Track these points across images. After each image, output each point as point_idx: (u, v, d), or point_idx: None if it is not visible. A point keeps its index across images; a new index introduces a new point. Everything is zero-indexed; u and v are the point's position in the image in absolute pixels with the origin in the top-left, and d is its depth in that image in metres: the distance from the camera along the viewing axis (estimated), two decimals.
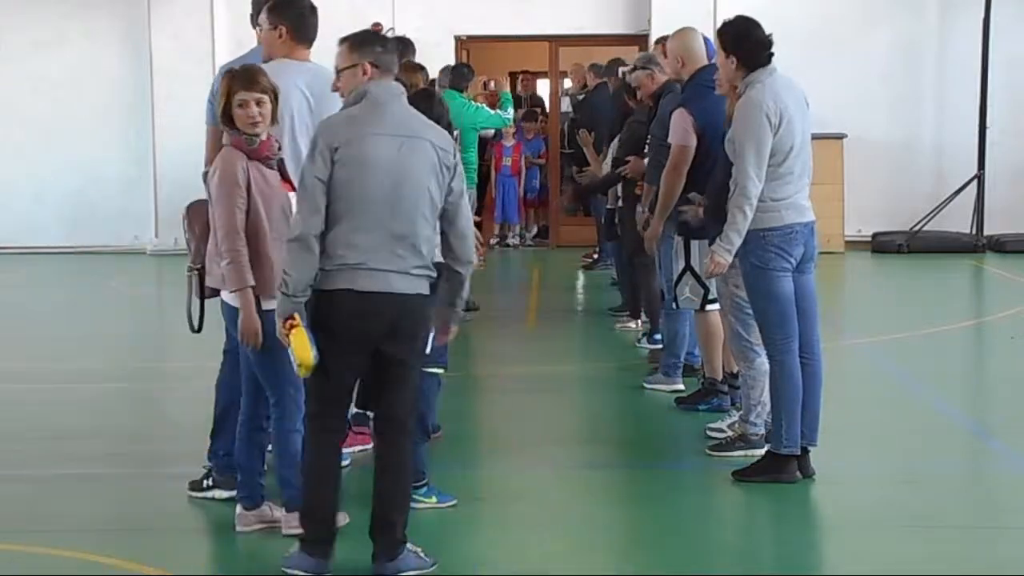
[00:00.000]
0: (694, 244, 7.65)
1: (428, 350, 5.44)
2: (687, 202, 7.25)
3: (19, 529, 5.98)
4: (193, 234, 5.82)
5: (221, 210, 5.49)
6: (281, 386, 5.58)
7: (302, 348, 4.99)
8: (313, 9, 6.24)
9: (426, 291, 5.17)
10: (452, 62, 14.55)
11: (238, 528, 5.79)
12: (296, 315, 5.01)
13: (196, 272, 5.77)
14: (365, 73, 5.21)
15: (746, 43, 6.42)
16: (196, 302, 5.85)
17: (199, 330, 5.91)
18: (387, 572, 5.17)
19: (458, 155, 5.25)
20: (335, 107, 6.10)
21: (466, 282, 5.37)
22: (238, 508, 5.81)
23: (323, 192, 5.02)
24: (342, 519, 5.43)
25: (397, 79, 5.35)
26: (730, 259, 6.35)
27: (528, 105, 18.66)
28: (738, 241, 6.31)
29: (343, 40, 5.34)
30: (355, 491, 5.72)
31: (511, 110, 12.43)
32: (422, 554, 5.26)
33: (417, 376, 5.30)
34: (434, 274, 5.18)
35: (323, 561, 5.17)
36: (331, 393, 5.17)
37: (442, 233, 5.23)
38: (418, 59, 10.36)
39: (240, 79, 5.55)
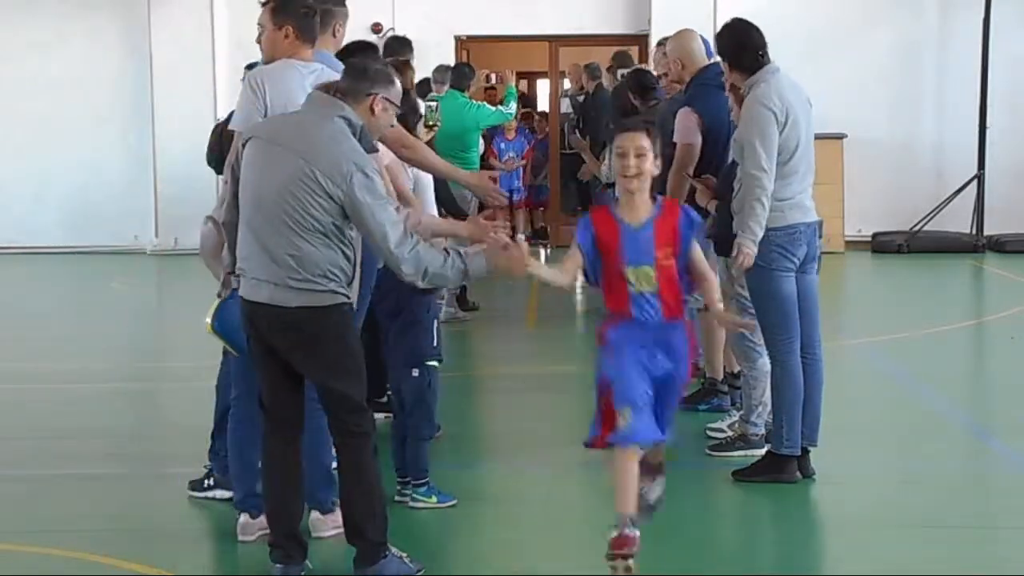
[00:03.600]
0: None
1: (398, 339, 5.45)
2: (692, 200, 7.25)
3: (19, 529, 5.98)
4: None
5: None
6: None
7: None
8: (315, 9, 6.24)
9: (321, 303, 4.95)
10: (452, 62, 14.56)
11: (242, 538, 5.71)
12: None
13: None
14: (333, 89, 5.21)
15: (735, 47, 6.44)
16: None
17: None
18: (367, 575, 5.12)
19: (356, 181, 4.86)
20: None
21: (431, 281, 5.03)
22: (242, 517, 5.72)
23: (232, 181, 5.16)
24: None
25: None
26: (755, 248, 6.30)
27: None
28: (760, 231, 6.26)
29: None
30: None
31: (514, 104, 12.41)
32: (407, 560, 5.19)
33: (354, 384, 5.06)
34: (328, 287, 4.95)
35: (289, 565, 5.15)
36: (267, 398, 5.17)
37: None
38: (418, 59, 10.34)
39: None
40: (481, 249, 5.15)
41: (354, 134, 5.02)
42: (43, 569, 5.48)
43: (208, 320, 5.34)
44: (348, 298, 5.06)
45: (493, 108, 12.08)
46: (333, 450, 5.39)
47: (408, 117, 6.14)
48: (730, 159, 6.93)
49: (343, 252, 4.99)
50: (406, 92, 6.38)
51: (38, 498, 6.54)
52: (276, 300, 4.94)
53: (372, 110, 5.11)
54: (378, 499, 5.16)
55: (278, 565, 5.16)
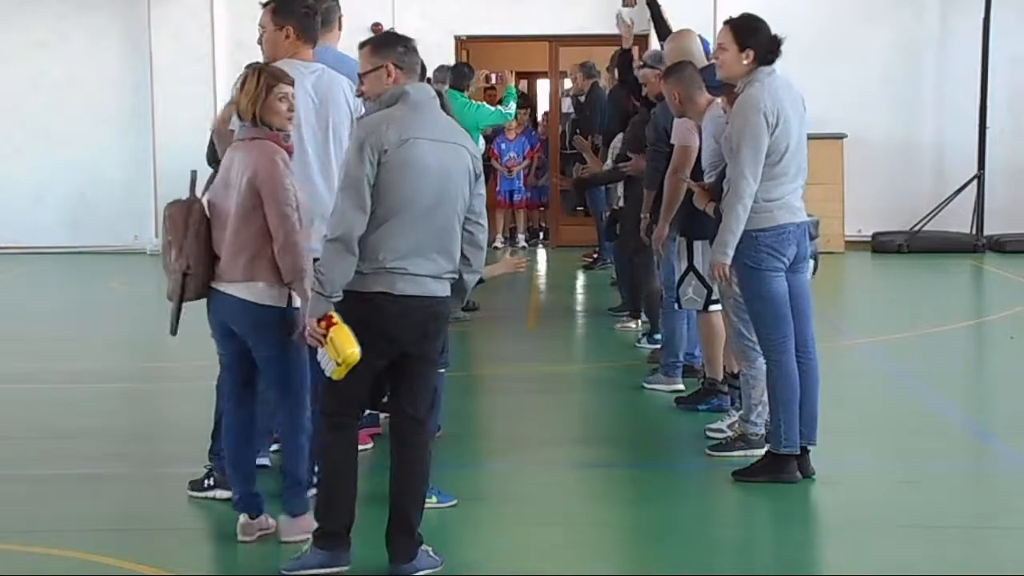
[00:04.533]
0: (697, 244, 7.66)
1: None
2: (690, 204, 7.26)
3: (19, 529, 5.97)
4: (182, 234, 5.52)
5: (279, 205, 5.40)
6: (295, 384, 5.57)
7: (347, 343, 4.92)
8: (316, 9, 6.24)
9: (449, 293, 5.20)
10: (451, 62, 14.55)
11: (243, 538, 5.68)
12: (333, 313, 4.97)
13: (185, 274, 5.54)
14: (389, 75, 5.17)
15: (766, 40, 6.41)
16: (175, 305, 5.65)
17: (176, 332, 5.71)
18: (405, 572, 5.16)
19: (481, 164, 5.25)
20: (340, 108, 6.11)
21: (469, 289, 5.35)
22: (242, 518, 5.70)
23: (367, 192, 4.97)
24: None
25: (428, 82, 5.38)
26: (728, 260, 6.34)
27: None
28: (733, 242, 6.30)
29: (364, 44, 5.29)
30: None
31: (513, 104, 12.39)
32: (432, 553, 5.27)
33: (435, 373, 5.35)
34: (457, 276, 5.21)
35: (340, 553, 5.17)
36: (352, 393, 5.15)
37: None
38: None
39: (277, 74, 5.54)
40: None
41: None
42: (43, 569, 5.48)
43: (356, 351, 4.96)
44: None
45: (492, 108, 12.07)
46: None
47: None
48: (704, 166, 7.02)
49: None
50: (438, 94, 6.40)
51: (38, 498, 6.54)
52: (428, 292, 5.07)
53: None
54: (425, 493, 5.33)
55: (328, 553, 5.15)
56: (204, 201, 5.61)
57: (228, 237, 5.46)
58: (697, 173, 7.59)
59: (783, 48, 6.42)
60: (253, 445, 5.77)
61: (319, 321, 4.96)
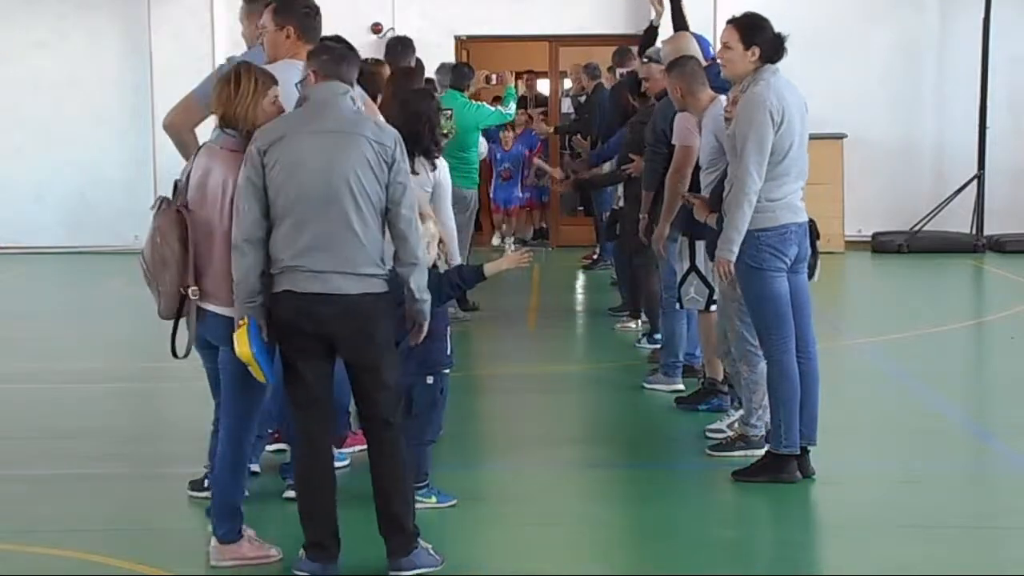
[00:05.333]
0: (699, 244, 7.66)
1: (412, 347, 5.43)
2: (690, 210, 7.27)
3: (19, 529, 5.98)
4: (181, 251, 5.21)
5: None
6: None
7: (241, 343, 5.01)
8: (317, 9, 6.24)
9: (379, 290, 5.08)
10: (452, 62, 14.54)
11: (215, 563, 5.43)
12: (244, 319, 5.02)
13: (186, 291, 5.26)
14: (312, 80, 5.26)
15: (772, 37, 6.41)
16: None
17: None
18: (404, 569, 5.17)
19: (399, 151, 5.10)
20: None
21: (413, 281, 5.14)
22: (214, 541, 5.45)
23: (253, 195, 5.01)
24: (275, 553, 5.41)
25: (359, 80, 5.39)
26: (733, 258, 6.34)
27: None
28: (738, 239, 6.30)
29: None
30: (357, 491, 5.70)
31: (513, 104, 12.38)
32: (432, 551, 5.27)
33: (391, 375, 5.19)
34: (384, 273, 5.10)
35: (327, 564, 5.16)
36: (302, 396, 5.15)
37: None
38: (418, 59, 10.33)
39: (268, 74, 5.39)
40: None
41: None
42: (43, 569, 5.48)
43: (246, 349, 5.02)
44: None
45: (492, 108, 12.06)
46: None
47: (432, 117, 6.14)
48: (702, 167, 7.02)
49: (383, 235, 5.14)
50: (429, 93, 6.42)
51: (38, 498, 6.54)
52: (333, 289, 5.00)
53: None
54: (412, 490, 5.31)
55: (317, 564, 5.15)
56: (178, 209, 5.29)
57: (216, 251, 5.21)
58: (697, 172, 7.58)
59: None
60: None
61: (238, 323, 5.06)
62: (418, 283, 5.16)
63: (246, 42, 6.80)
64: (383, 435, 5.20)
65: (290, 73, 6.03)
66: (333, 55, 5.29)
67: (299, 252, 5.00)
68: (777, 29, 6.47)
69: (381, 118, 6.06)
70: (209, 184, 5.23)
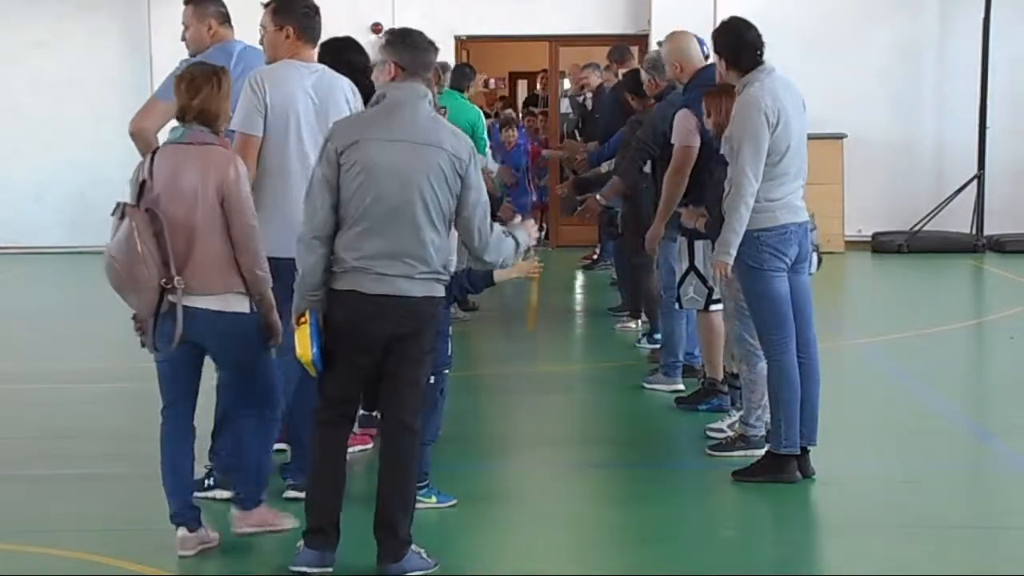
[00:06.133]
0: (698, 244, 7.66)
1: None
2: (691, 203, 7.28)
3: (19, 529, 5.97)
4: (158, 245, 5.27)
5: (245, 217, 5.33)
6: (272, 382, 5.57)
7: (303, 344, 5.06)
8: (316, 9, 6.24)
9: (436, 294, 5.17)
10: (452, 62, 14.54)
11: (182, 553, 5.55)
12: (307, 313, 5.07)
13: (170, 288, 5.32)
14: (391, 73, 5.22)
15: (734, 44, 6.44)
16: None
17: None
18: (391, 572, 5.18)
19: (473, 162, 5.16)
20: (341, 109, 6.10)
21: (496, 265, 5.39)
22: (181, 531, 5.55)
23: (327, 192, 5.07)
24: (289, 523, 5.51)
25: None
26: (731, 260, 6.35)
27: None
28: (736, 241, 6.31)
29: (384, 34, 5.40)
30: (355, 492, 5.70)
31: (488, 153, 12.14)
32: (424, 555, 5.27)
33: (425, 380, 5.29)
34: (446, 278, 5.20)
35: (325, 552, 5.18)
36: (337, 392, 5.20)
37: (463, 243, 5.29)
38: None
39: (226, 71, 5.49)
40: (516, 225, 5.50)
41: None
42: (43, 569, 5.48)
43: (307, 353, 5.06)
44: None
45: (484, 126, 11.90)
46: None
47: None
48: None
49: (450, 241, 5.21)
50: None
51: (38, 498, 6.54)
52: (398, 291, 5.05)
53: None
54: (414, 498, 5.31)
55: (315, 552, 5.17)
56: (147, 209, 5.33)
57: (197, 247, 5.27)
58: (697, 174, 7.59)
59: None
60: (192, 453, 5.64)
61: (297, 319, 5.09)
62: (497, 265, 5.36)
63: (191, 46, 6.76)
64: (402, 439, 5.21)
65: (290, 73, 6.04)
66: (419, 48, 5.25)
67: (368, 255, 5.05)
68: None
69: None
70: (183, 182, 5.30)
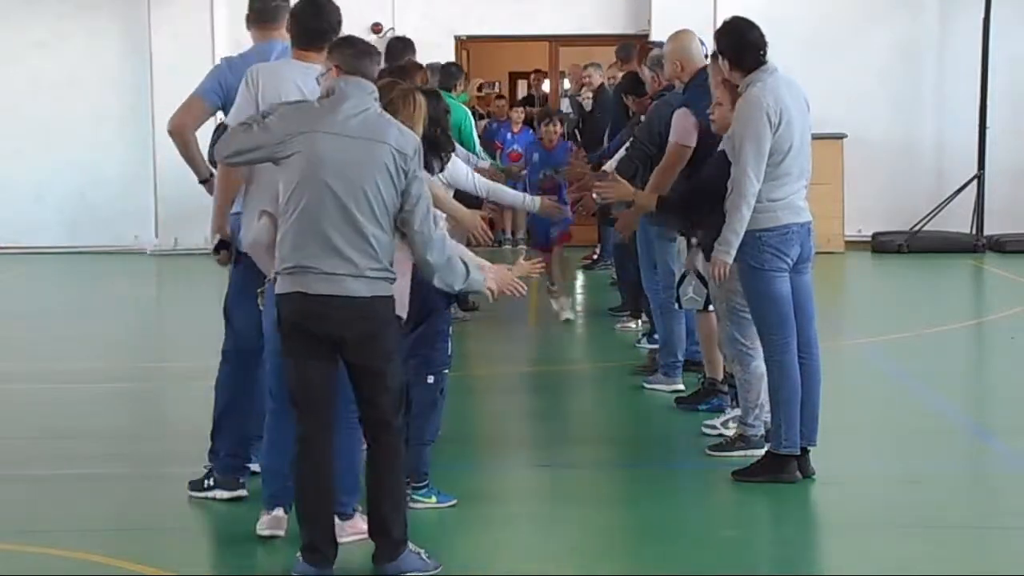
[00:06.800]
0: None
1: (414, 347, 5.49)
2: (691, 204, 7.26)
3: (19, 529, 5.97)
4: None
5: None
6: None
7: None
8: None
9: (386, 293, 5.09)
10: (438, 62, 14.52)
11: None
12: None
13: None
14: (335, 73, 5.27)
15: (737, 44, 6.43)
16: None
17: None
18: (387, 572, 5.17)
19: (418, 159, 5.10)
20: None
21: (437, 280, 5.25)
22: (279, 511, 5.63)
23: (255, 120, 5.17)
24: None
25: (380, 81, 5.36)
26: (731, 260, 6.36)
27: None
28: (736, 241, 6.31)
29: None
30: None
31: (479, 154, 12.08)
32: (425, 556, 5.25)
33: (394, 378, 5.18)
34: (393, 276, 5.11)
35: (323, 567, 5.15)
36: (304, 397, 5.15)
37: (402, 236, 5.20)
38: (418, 59, 10.30)
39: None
40: (485, 270, 5.48)
41: None
42: (43, 569, 5.48)
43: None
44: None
45: (474, 131, 11.87)
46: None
47: (441, 119, 6.12)
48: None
49: (396, 238, 5.15)
50: (437, 94, 6.40)
51: (38, 498, 6.54)
52: (344, 291, 5.00)
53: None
54: (404, 496, 5.27)
55: (312, 567, 5.13)
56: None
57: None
58: (693, 173, 7.56)
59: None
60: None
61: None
62: (443, 280, 5.23)
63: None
64: (383, 438, 5.18)
65: (285, 71, 6.03)
66: (356, 49, 5.28)
67: (311, 254, 5.01)
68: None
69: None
70: None
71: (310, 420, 5.15)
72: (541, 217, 9.46)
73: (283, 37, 6.34)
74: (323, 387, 5.14)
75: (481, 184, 7.22)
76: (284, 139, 5.07)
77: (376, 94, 5.18)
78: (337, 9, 6.09)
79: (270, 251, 5.29)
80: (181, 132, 6.30)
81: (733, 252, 6.34)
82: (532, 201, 7.81)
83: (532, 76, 19.74)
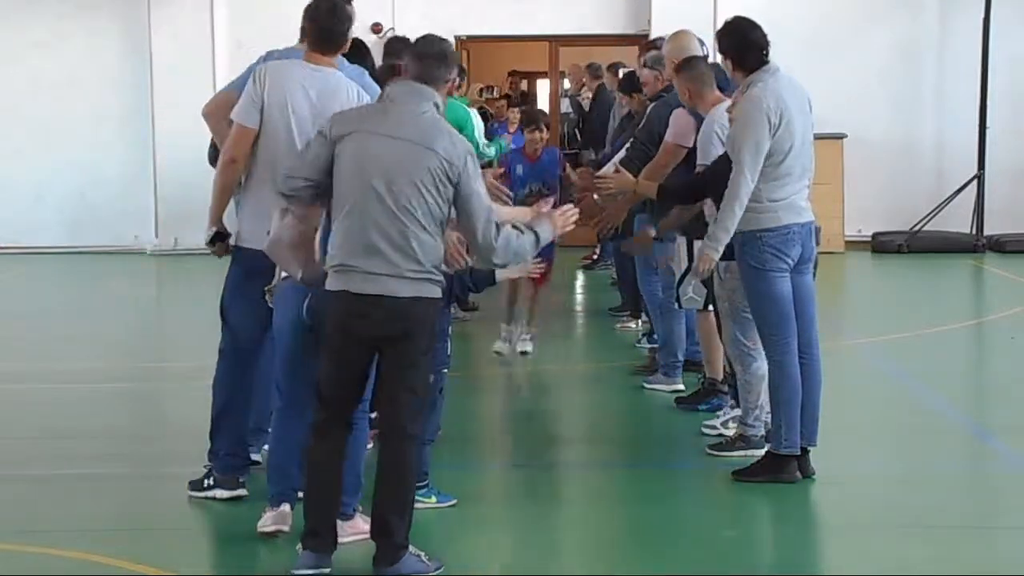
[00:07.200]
0: (697, 244, 7.62)
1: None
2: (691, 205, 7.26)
3: (19, 529, 5.97)
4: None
5: None
6: None
7: None
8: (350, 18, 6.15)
9: (430, 295, 5.12)
10: None
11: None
12: None
13: None
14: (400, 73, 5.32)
15: (739, 44, 6.43)
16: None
17: None
18: (386, 574, 5.16)
19: (468, 167, 5.08)
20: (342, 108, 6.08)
21: (512, 264, 5.35)
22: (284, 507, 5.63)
23: (316, 163, 5.14)
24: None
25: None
26: (718, 256, 6.36)
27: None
28: (725, 239, 6.32)
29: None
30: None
31: (493, 150, 12.06)
32: (425, 558, 5.24)
33: (423, 385, 5.22)
34: (439, 279, 5.15)
35: (321, 555, 5.17)
36: (331, 390, 5.19)
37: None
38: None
39: None
40: (542, 216, 5.38)
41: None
42: (43, 569, 5.48)
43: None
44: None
45: (485, 140, 11.88)
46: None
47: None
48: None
49: (442, 243, 5.16)
50: None
51: (38, 498, 6.54)
52: (387, 291, 5.02)
53: (449, 92, 5.27)
54: (411, 502, 5.25)
55: (311, 554, 5.16)
56: None
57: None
58: (689, 169, 7.55)
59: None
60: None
61: None
62: (504, 258, 5.19)
63: None
64: (393, 443, 5.17)
65: (292, 71, 6.00)
66: (432, 55, 5.24)
67: (355, 253, 5.04)
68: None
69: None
70: None
71: (331, 413, 5.20)
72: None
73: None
74: (352, 385, 5.19)
75: None
76: (337, 139, 5.12)
77: (436, 99, 5.16)
78: (353, 13, 6.08)
79: (293, 250, 5.31)
80: (215, 118, 6.34)
81: (721, 249, 6.34)
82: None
83: (515, 77, 19.70)
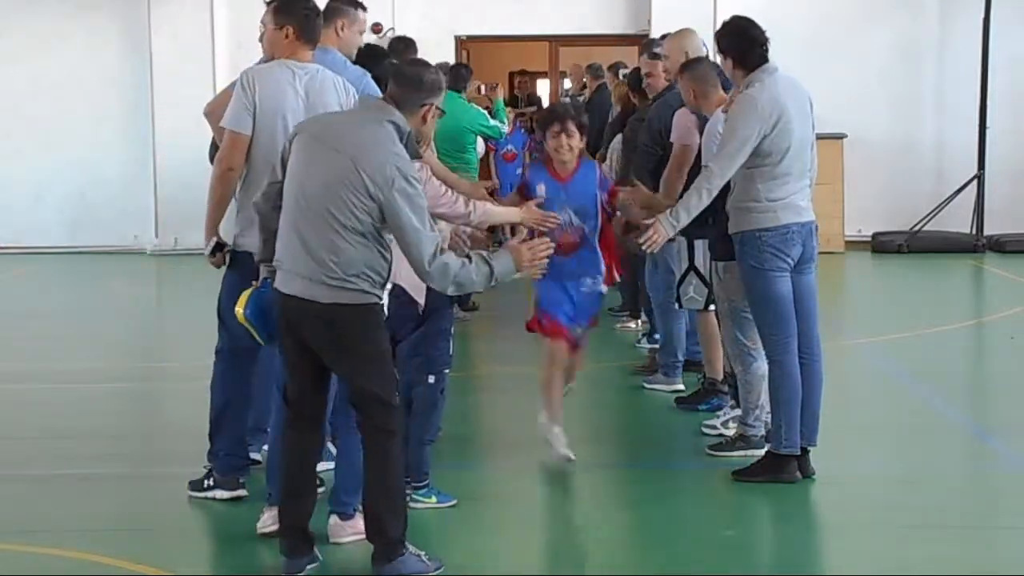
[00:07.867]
0: (697, 244, 7.64)
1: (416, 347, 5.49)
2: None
3: (19, 529, 5.98)
4: None
5: None
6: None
7: (240, 302, 5.35)
8: (318, 11, 6.23)
9: (355, 301, 5.01)
10: (451, 62, 14.55)
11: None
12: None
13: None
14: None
15: (739, 43, 6.44)
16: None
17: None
18: (384, 574, 5.16)
19: (398, 186, 4.93)
20: (331, 109, 6.08)
21: (458, 291, 5.19)
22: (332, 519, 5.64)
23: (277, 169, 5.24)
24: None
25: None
26: (672, 234, 6.35)
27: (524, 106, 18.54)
28: (686, 220, 6.32)
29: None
30: None
31: (504, 121, 12.26)
32: (425, 558, 5.24)
33: (377, 386, 5.10)
34: (359, 287, 5.01)
35: (294, 560, 5.19)
36: (292, 391, 5.22)
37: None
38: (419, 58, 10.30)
39: None
40: (506, 248, 5.28)
41: (401, 139, 5.07)
42: (43, 569, 5.48)
43: (240, 309, 5.32)
44: (380, 299, 5.11)
45: (491, 120, 11.99)
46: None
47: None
48: None
49: (380, 253, 5.06)
50: None
51: (38, 498, 6.54)
52: (308, 294, 5.01)
53: (424, 119, 5.19)
54: (401, 498, 5.23)
55: (282, 557, 5.20)
56: None
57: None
58: (695, 171, 7.56)
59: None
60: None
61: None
62: (441, 285, 5.09)
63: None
64: (376, 440, 5.15)
65: (280, 74, 6.02)
66: (406, 78, 5.19)
67: (284, 250, 5.08)
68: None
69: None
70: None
71: (295, 411, 5.23)
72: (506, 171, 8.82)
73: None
74: (307, 384, 5.18)
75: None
76: (291, 139, 5.19)
77: (396, 120, 5.07)
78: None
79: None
80: (215, 118, 6.36)
81: (677, 227, 6.32)
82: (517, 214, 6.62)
83: (517, 80, 19.72)
